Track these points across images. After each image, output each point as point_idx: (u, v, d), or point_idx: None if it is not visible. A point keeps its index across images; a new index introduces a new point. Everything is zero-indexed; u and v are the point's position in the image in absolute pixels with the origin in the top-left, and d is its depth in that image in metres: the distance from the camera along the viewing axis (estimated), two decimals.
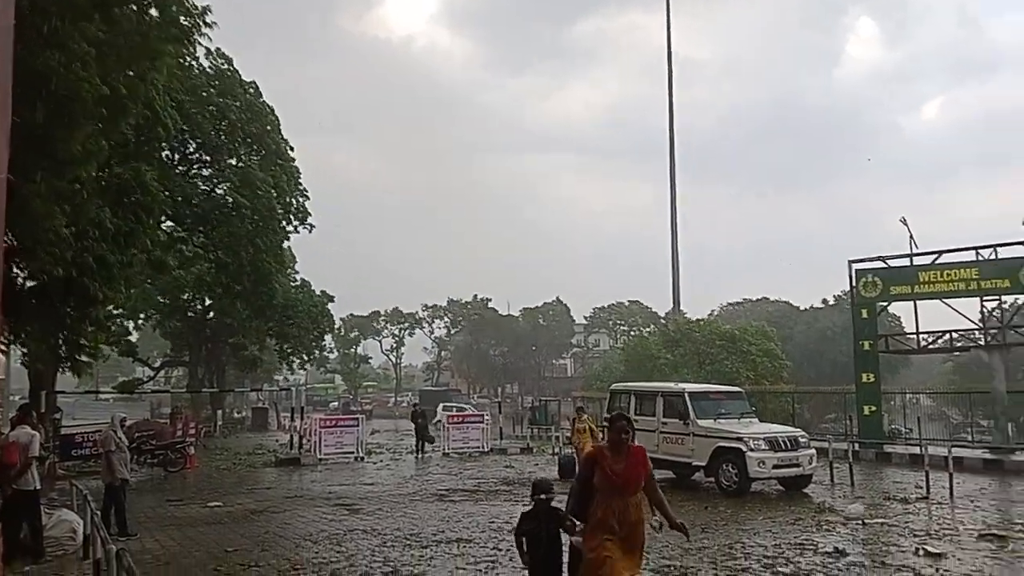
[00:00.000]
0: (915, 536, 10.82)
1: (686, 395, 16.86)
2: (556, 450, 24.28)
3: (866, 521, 12.15)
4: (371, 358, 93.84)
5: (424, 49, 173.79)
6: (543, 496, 5.91)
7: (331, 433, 23.90)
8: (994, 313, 24.13)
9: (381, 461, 23.66)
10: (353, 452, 23.66)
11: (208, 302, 37.52)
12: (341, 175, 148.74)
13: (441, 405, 43.63)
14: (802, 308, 65.27)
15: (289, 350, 40.82)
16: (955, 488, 14.91)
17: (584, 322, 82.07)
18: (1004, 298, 24.36)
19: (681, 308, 45.51)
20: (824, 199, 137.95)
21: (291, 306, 37.55)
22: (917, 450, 19.23)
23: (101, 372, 72.30)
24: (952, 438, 26.76)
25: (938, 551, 9.67)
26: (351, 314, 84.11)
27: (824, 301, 61.78)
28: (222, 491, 16.92)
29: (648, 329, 64.22)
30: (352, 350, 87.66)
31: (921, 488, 15.28)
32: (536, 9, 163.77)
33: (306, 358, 44.98)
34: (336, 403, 71.77)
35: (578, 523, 5.64)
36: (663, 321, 59.42)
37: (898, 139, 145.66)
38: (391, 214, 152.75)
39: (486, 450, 25.69)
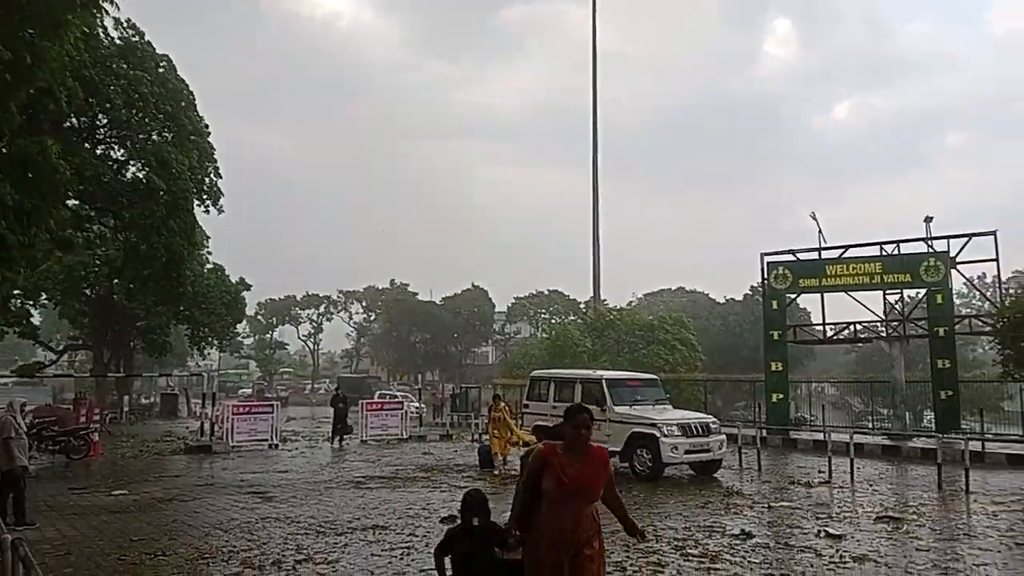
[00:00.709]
0: (817, 519, 11.27)
1: (603, 382, 17.16)
2: (475, 437, 24.34)
3: (772, 504, 12.60)
4: (288, 344, 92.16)
5: (348, 29, 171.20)
6: (477, 524, 4.93)
7: (244, 420, 23.30)
8: (896, 306, 25.28)
9: (296, 449, 23.23)
10: (267, 440, 23.17)
11: (116, 283, 35.99)
12: (258, 155, 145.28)
13: (377, 393, 43.09)
14: (718, 299, 67.11)
15: (200, 336, 39.58)
16: (855, 473, 15.62)
17: (505, 310, 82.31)
18: (905, 292, 25.54)
19: (602, 297, 46.16)
20: (741, 193, 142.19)
21: (203, 292, 36.40)
22: (821, 436, 20.02)
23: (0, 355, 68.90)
24: (854, 425, 28.03)
25: (838, 533, 10.11)
26: (268, 299, 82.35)
27: (746, 295, 63.62)
28: (128, 479, 16.31)
29: (569, 317, 64.91)
30: (268, 335, 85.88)
31: (824, 473, 15.94)
32: None
33: (218, 344, 43.72)
34: (248, 390, 70.00)
35: (520, 534, 4.69)
36: (584, 310, 60.20)
37: (812, 137, 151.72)
38: (310, 196, 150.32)
39: (405, 437, 25.54)
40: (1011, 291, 26.71)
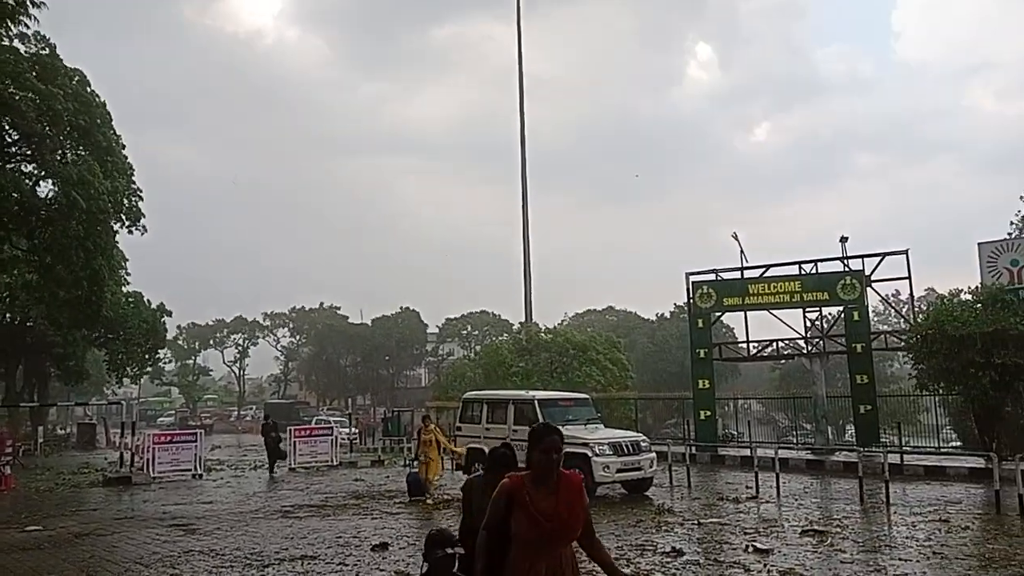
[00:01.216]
0: (745, 534, 11.48)
1: (536, 402, 17.22)
2: (407, 462, 24.03)
3: (701, 521, 12.78)
4: (212, 370, 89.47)
5: (273, 46, 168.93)
6: (444, 552, 4.23)
7: (166, 450, 22.51)
8: (815, 323, 26.09)
9: (221, 478, 22.54)
10: (190, 469, 22.43)
11: (29, 308, 34.38)
12: (179, 174, 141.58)
13: (315, 419, 42.11)
14: (646, 317, 68.12)
15: (119, 362, 38.12)
16: (781, 487, 16.00)
17: (436, 331, 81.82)
18: (824, 309, 26.40)
19: (533, 317, 46.31)
20: (667, 211, 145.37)
21: (120, 318, 35.09)
22: (748, 452, 20.46)
23: None
24: (779, 441, 28.69)
25: (766, 547, 10.31)
26: (191, 323, 79.91)
27: (671, 312, 64.68)
28: (42, 513, 15.54)
29: (501, 337, 64.94)
30: (191, 361, 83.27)
31: (751, 488, 16.29)
32: (389, 13, 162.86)
33: (138, 371, 42.18)
34: (167, 418, 67.60)
35: None
36: (516, 330, 60.33)
37: (733, 157, 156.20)
38: (234, 217, 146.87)
39: (335, 463, 25.06)
40: (923, 308, 27.88)
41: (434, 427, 17.50)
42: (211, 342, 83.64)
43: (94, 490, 20.44)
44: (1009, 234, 30.21)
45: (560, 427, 14.43)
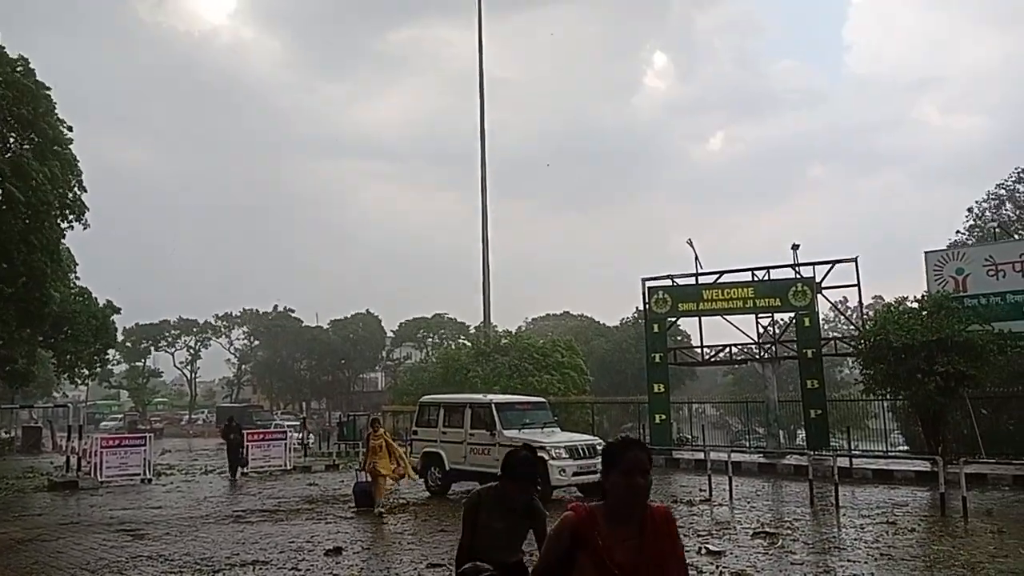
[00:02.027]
0: (698, 536, 11.61)
1: (493, 406, 17.20)
2: (360, 467, 23.74)
3: None
4: (163, 372, 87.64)
5: (228, 46, 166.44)
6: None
7: (114, 454, 21.99)
8: (768, 329, 26.53)
9: (171, 483, 22.09)
10: (139, 474, 21.95)
11: None
12: (130, 172, 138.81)
13: (273, 423, 41.44)
14: (604, 323, 68.61)
15: (68, 363, 37.08)
16: (734, 490, 16.24)
17: (392, 335, 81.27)
18: (776, 315, 26.87)
19: (492, 321, 46.28)
20: (624, 217, 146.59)
21: (68, 316, 34.16)
22: (702, 456, 20.69)
23: None
24: (732, 444, 29.11)
25: (718, 549, 10.45)
26: (137, 323, 77.99)
27: (624, 320, 65.26)
28: None
29: (460, 341, 64.78)
30: (141, 363, 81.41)
31: (705, 491, 16.48)
32: (345, 16, 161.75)
33: (87, 372, 41.09)
34: (112, 422, 65.75)
35: None
36: (474, 334, 60.21)
37: (689, 165, 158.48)
38: (187, 216, 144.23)
39: (289, 468, 24.75)
40: (871, 315, 28.52)
41: (384, 432, 16.21)
42: (162, 344, 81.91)
43: (39, 495, 19.89)
44: (956, 242, 31.14)
45: (517, 431, 14.15)
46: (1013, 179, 33.71)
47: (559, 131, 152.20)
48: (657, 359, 26.75)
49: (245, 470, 23.64)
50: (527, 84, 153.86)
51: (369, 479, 15.38)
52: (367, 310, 80.00)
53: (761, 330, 26.36)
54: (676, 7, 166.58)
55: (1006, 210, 34.76)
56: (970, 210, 35.64)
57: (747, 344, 26.38)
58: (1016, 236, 29.61)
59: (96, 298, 38.01)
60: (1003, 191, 34.83)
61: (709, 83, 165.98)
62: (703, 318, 26.97)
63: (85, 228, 27.99)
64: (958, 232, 33.17)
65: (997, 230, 30.03)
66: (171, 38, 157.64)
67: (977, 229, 33.81)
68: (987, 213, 34.76)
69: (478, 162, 43.90)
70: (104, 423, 64.61)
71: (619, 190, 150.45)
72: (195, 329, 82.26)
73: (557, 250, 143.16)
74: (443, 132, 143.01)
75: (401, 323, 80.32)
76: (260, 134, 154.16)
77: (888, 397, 23.19)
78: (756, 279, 25.68)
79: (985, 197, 35.54)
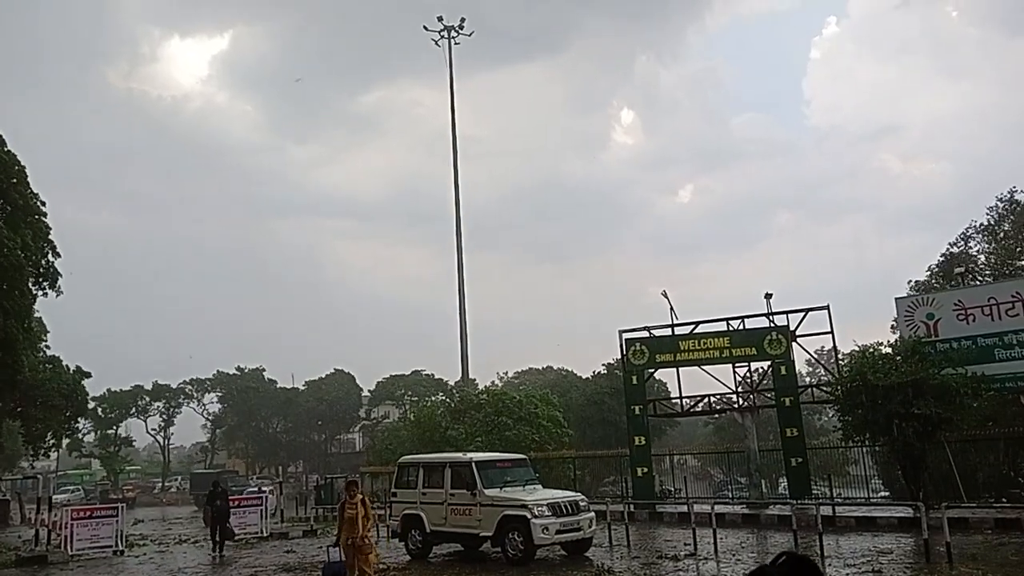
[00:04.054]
0: None
1: (473, 465, 16.94)
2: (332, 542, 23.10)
3: None
4: (135, 439, 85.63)
5: (201, 111, 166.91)
6: None
7: (85, 525, 21.33)
8: (746, 378, 26.63)
9: (145, 554, 21.46)
10: (111, 545, 21.29)
11: None
12: (99, 236, 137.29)
13: (247, 490, 40.33)
14: (582, 375, 68.48)
15: (36, 433, 36.25)
16: (719, 543, 16.08)
17: (368, 395, 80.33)
18: (753, 364, 27.00)
19: (471, 376, 46.06)
20: (599, 271, 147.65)
21: (37, 385, 33.55)
22: (685, 508, 20.54)
23: None
24: (715, 495, 28.93)
25: None
26: (109, 389, 76.44)
27: (599, 372, 65.22)
28: None
29: (438, 397, 64.20)
30: (113, 431, 79.55)
31: (689, 545, 16.30)
32: (319, 77, 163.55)
33: (57, 441, 40.16)
34: (65, 494, 61.10)
35: None
36: (452, 390, 59.77)
37: (660, 218, 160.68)
38: (158, 280, 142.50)
39: (265, 535, 24.17)
40: (846, 360, 28.75)
41: (361, 498, 13.24)
42: (133, 410, 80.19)
43: (7, 572, 19.20)
44: (921, 282, 31.67)
45: (498, 489, 13.88)
46: (967, 232, 34.09)
47: (531, 187, 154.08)
48: (636, 411, 26.68)
49: (232, 542, 21.65)
50: (498, 141, 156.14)
51: (343, 558, 12.74)
52: (341, 369, 79.12)
53: (739, 379, 26.47)
54: (641, 65, 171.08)
55: (973, 252, 35.15)
56: (934, 264, 35.86)
57: (725, 393, 26.43)
58: (979, 280, 30.20)
59: (67, 365, 37.44)
60: (969, 236, 35.18)
61: (676, 137, 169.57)
62: (681, 368, 27.04)
63: (58, 295, 27.79)
64: (930, 269, 33.52)
65: (964, 274, 30.50)
66: (144, 103, 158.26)
67: (941, 274, 34.24)
68: (954, 256, 35.08)
69: (452, 219, 44.35)
70: (57, 496, 59.21)
71: (593, 243, 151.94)
72: (167, 394, 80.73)
73: (534, 304, 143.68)
74: (416, 190, 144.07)
75: (379, 381, 79.49)
76: (234, 197, 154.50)
77: (867, 443, 23.25)
78: (731, 329, 25.86)
79: (953, 241, 36.00)
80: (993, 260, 32.40)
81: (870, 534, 17.84)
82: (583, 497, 17.52)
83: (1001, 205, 32.69)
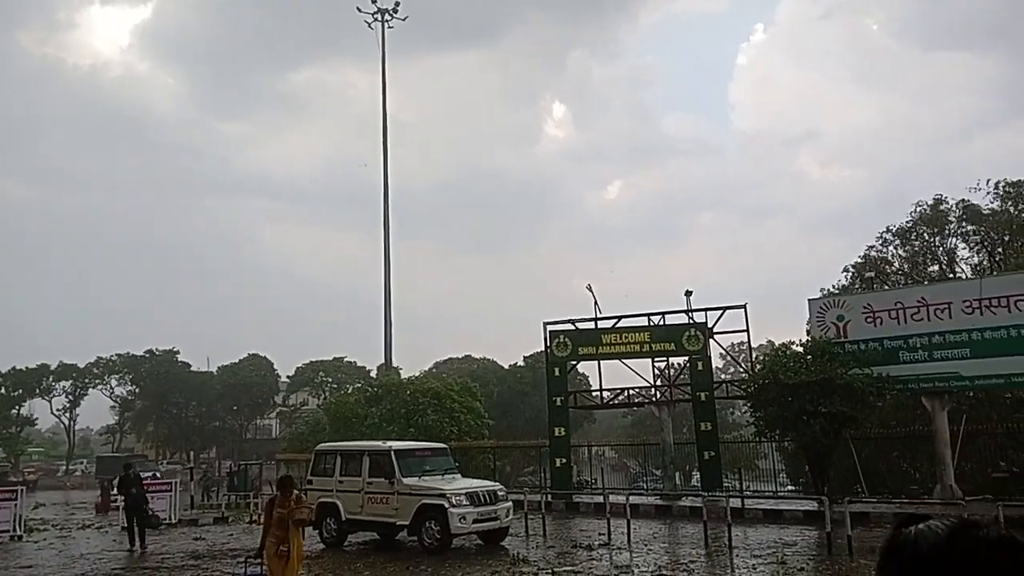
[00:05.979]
0: None
1: (392, 453, 16.81)
2: (254, 518, 22.79)
3: (555, 570, 12.86)
4: (38, 419, 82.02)
5: (121, 80, 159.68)
6: None
7: None
8: (663, 373, 27.21)
9: (45, 539, 20.58)
10: (9, 530, 20.35)
11: None
12: (12, 208, 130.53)
13: (154, 473, 38.93)
14: (505, 365, 68.74)
15: None
16: (632, 533, 16.37)
17: (287, 380, 78.77)
18: (671, 359, 27.60)
19: (395, 365, 45.66)
20: (525, 262, 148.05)
21: None
22: (601, 499, 20.86)
23: None
24: (631, 487, 29.48)
25: None
26: (14, 367, 73.07)
27: (520, 363, 65.67)
28: None
29: (357, 385, 63.43)
30: (14, 411, 76.00)
31: (604, 535, 16.58)
32: (247, 52, 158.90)
33: None
34: None
35: None
36: (374, 378, 59.20)
37: (587, 212, 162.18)
38: (72, 257, 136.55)
39: (174, 521, 23.50)
40: (760, 358, 29.65)
41: (297, 495, 10.83)
42: (37, 390, 76.69)
43: None
44: (838, 285, 32.81)
45: (417, 478, 13.65)
46: (884, 236, 35.33)
47: (462, 175, 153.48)
48: (558, 402, 26.94)
49: (153, 532, 19.55)
50: (430, 128, 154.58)
51: (267, 569, 10.50)
52: (257, 353, 77.32)
53: (657, 373, 27.02)
54: (574, 60, 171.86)
55: (889, 257, 36.29)
56: (847, 268, 37.05)
57: (644, 387, 26.95)
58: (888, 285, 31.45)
59: None
60: (887, 240, 36.22)
61: (606, 133, 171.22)
62: (602, 362, 27.46)
63: None
64: (846, 270, 34.54)
65: (875, 279, 31.70)
66: (61, 70, 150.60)
67: (856, 278, 35.39)
68: (871, 259, 36.18)
69: (380, 204, 43.82)
70: None
71: (521, 234, 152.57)
72: (74, 374, 77.44)
73: (460, 293, 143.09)
74: (348, 174, 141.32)
75: (298, 367, 77.97)
76: (153, 171, 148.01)
77: (777, 438, 24.05)
78: (652, 324, 26.36)
79: (866, 249, 37.23)
80: (907, 267, 33.74)
81: (777, 526, 18.47)
82: (501, 487, 17.60)
83: (919, 211, 33.92)
